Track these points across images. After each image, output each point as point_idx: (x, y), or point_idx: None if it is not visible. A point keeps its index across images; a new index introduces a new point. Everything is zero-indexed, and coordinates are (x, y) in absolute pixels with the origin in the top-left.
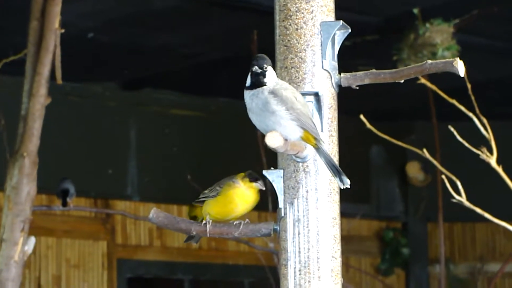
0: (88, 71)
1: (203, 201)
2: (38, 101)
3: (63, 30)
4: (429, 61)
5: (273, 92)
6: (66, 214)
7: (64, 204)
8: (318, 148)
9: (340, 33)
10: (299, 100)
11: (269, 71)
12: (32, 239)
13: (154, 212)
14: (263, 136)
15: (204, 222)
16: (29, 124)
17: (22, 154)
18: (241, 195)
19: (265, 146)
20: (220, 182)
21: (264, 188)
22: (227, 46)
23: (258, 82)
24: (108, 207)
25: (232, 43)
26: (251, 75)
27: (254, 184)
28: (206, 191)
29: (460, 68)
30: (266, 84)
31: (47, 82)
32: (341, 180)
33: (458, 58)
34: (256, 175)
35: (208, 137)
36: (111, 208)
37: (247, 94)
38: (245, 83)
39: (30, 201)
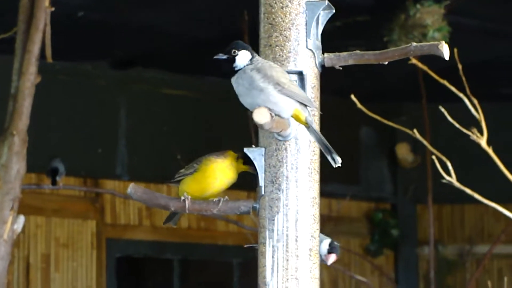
0: (78, 49)
1: (179, 181)
2: (28, 80)
3: (53, 9)
4: (414, 44)
5: (257, 69)
6: (55, 193)
7: (54, 183)
8: (308, 127)
9: (324, 13)
10: (284, 75)
11: (241, 54)
12: (22, 218)
13: (133, 187)
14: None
15: (182, 198)
16: (19, 103)
17: (12, 132)
18: (222, 170)
19: (254, 124)
20: (197, 160)
21: (255, 173)
22: (218, 25)
23: (230, 68)
24: (98, 186)
25: (224, 22)
26: (222, 63)
27: (249, 166)
28: (182, 170)
29: (445, 51)
30: (239, 65)
31: (37, 61)
32: (333, 159)
33: (444, 42)
34: (250, 159)
35: (198, 116)
36: (101, 187)
37: (232, 81)
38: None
39: (20, 180)
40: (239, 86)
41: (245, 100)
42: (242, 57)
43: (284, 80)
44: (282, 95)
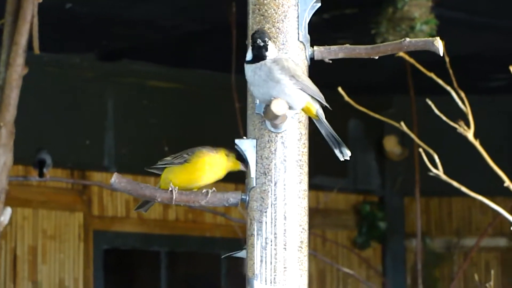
0: (65, 41)
1: (162, 168)
2: (15, 71)
3: (41, 0)
4: (408, 39)
5: (275, 62)
6: (42, 185)
7: (41, 175)
8: (318, 120)
9: (311, 6)
10: (299, 68)
11: (270, 45)
12: (8, 210)
13: (116, 177)
14: (242, 108)
15: (170, 189)
16: (6, 94)
17: None
18: (214, 164)
19: (264, 114)
20: (188, 151)
21: (246, 170)
22: (205, 18)
23: (260, 55)
24: (85, 178)
25: (211, 14)
26: (253, 48)
27: (240, 163)
28: (168, 158)
29: (440, 47)
30: (268, 57)
31: (24, 52)
32: (341, 152)
33: (439, 38)
34: (242, 157)
35: (185, 109)
36: (88, 179)
37: (249, 67)
38: (245, 57)
39: (6, 172)
40: (256, 75)
41: (257, 90)
42: (271, 48)
43: (299, 73)
44: (297, 88)
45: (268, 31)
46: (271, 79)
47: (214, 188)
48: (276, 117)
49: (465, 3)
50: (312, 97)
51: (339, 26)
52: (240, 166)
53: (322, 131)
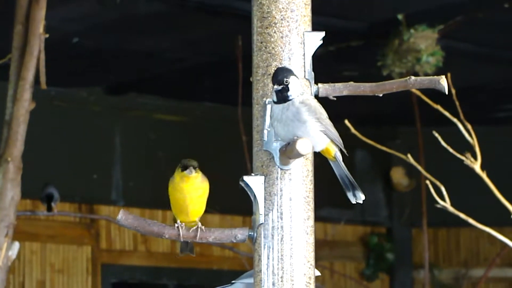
0: (72, 76)
1: None
2: (23, 106)
3: (47, 35)
4: (413, 78)
5: (302, 102)
6: (50, 219)
7: (49, 209)
8: (335, 161)
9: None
10: (322, 111)
11: (291, 83)
12: (16, 244)
13: (123, 214)
14: (248, 141)
15: (176, 225)
16: (13, 129)
17: (6, 159)
18: (176, 188)
19: (284, 151)
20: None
21: (192, 174)
22: (211, 51)
23: (283, 98)
24: (93, 212)
25: (217, 48)
26: (275, 93)
27: (185, 172)
28: None
29: (445, 85)
30: (292, 95)
31: (31, 87)
32: (354, 195)
33: (444, 76)
34: (187, 163)
35: (193, 142)
36: (96, 213)
37: (277, 107)
38: (272, 98)
39: (14, 206)
40: (283, 114)
41: (282, 128)
42: (294, 85)
43: (324, 116)
44: (320, 130)
45: (275, 69)
46: (298, 120)
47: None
48: (299, 155)
49: (471, 34)
50: (332, 140)
51: (344, 58)
52: (186, 175)
53: (337, 173)
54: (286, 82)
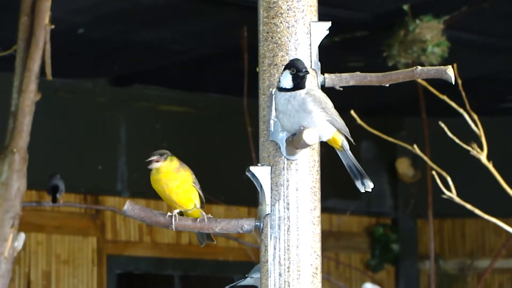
0: (78, 67)
1: None
2: (28, 97)
3: (53, 26)
4: (420, 68)
5: (308, 93)
6: (56, 210)
7: (54, 200)
8: (342, 151)
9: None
10: (328, 101)
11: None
12: (22, 235)
13: (129, 204)
14: (254, 132)
15: (169, 214)
16: (19, 120)
17: (12, 150)
18: (153, 179)
19: (291, 142)
20: None
21: (155, 167)
22: (216, 42)
23: (300, 85)
24: (98, 203)
25: (221, 39)
26: (294, 77)
27: (150, 166)
28: None
29: (452, 75)
30: (306, 85)
31: (37, 78)
32: (363, 183)
33: (451, 66)
34: (153, 155)
35: (197, 132)
36: (101, 204)
37: (282, 96)
38: (279, 84)
39: (20, 197)
40: (289, 104)
41: (287, 120)
42: (309, 78)
43: (329, 106)
44: (326, 120)
45: (282, 59)
46: (304, 110)
47: (210, 214)
48: (305, 146)
49: (477, 25)
50: (338, 129)
51: (350, 49)
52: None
53: (344, 162)
54: (307, 71)
